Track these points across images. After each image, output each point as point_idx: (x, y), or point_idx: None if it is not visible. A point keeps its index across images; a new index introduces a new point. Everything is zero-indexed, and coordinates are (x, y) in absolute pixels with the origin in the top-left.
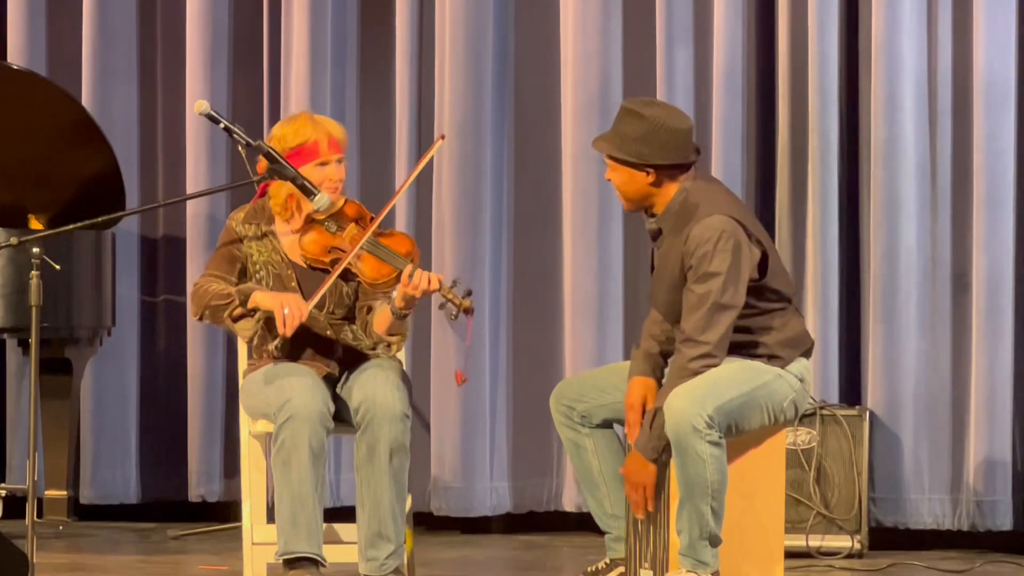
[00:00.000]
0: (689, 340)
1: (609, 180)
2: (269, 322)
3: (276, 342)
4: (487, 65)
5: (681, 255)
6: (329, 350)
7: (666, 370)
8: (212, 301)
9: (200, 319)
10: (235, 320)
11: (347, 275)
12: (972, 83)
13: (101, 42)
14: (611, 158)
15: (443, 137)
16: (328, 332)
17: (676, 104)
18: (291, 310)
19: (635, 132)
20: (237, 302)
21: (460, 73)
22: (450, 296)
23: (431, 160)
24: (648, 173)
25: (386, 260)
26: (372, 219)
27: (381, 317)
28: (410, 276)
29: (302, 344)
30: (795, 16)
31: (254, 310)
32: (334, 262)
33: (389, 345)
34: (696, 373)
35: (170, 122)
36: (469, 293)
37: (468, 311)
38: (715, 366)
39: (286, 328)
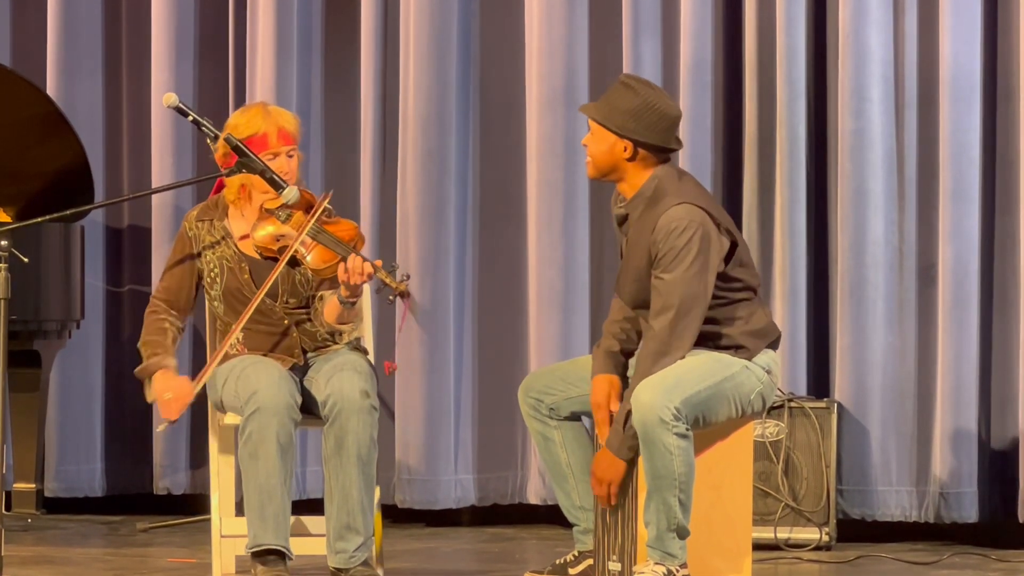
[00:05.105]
0: (657, 338)
1: (585, 145)
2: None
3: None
4: (452, 57)
5: (648, 244)
6: (290, 341)
7: (631, 361)
8: (141, 346)
9: None
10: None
11: (297, 263)
12: (938, 76)
13: (65, 34)
14: (597, 123)
15: (331, 192)
16: (285, 322)
17: None
18: (173, 395)
19: (626, 105)
20: (142, 374)
21: (424, 65)
22: (387, 279)
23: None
24: (626, 149)
25: (329, 247)
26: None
27: (331, 306)
28: (347, 264)
29: (263, 337)
30: (763, 8)
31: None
32: (282, 250)
33: (342, 333)
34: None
35: (135, 114)
36: (407, 277)
37: (403, 294)
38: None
39: (170, 413)
